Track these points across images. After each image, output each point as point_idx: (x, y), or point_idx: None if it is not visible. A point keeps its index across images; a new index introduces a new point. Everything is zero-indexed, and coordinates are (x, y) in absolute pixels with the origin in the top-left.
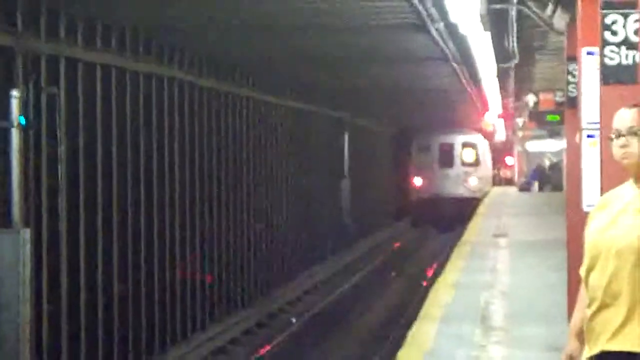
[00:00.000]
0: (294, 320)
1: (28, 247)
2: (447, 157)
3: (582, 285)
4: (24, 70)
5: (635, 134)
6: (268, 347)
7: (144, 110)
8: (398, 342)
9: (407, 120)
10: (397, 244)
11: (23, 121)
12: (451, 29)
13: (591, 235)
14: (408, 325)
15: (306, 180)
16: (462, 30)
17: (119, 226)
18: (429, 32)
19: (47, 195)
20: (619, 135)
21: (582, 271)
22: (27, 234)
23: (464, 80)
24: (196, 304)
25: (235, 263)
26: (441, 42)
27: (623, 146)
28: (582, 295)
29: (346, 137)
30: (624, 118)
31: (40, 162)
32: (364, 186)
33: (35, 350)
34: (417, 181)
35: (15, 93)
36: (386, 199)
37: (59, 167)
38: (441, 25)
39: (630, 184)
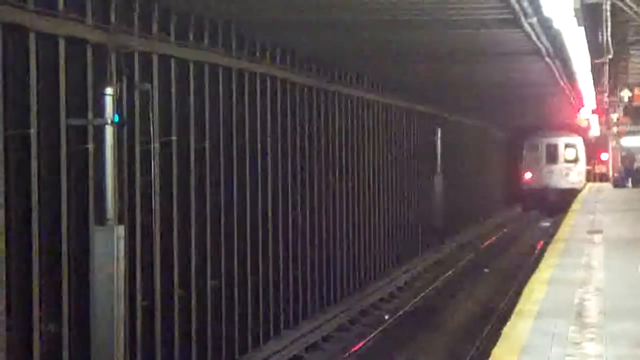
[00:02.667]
0: (386, 317)
1: (122, 243)
2: (552, 156)
3: None
4: (117, 68)
5: None
6: (361, 344)
7: (236, 106)
8: (492, 338)
9: (500, 114)
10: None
11: (117, 118)
12: (545, 23)
13: None
14: (501, 322)
15: (400, 176)
16: (556, 25)
17: (212, 222)
18: (522, 27)
19: (140, 191)
20: None
21: None
22: (121, 230)
23: (557, 76)
24: (289, 300)
25: (329, 260)
26: (534, 37)
27: None
28: None
29: (439, 132)
30: None
31: (134, 159)
32: (462, 181)
33: (130, 345)
34: (528, 175)
35: (109, 90)
36: (483, 192)
37: (152, 163)
38: (534, 20)
39: None
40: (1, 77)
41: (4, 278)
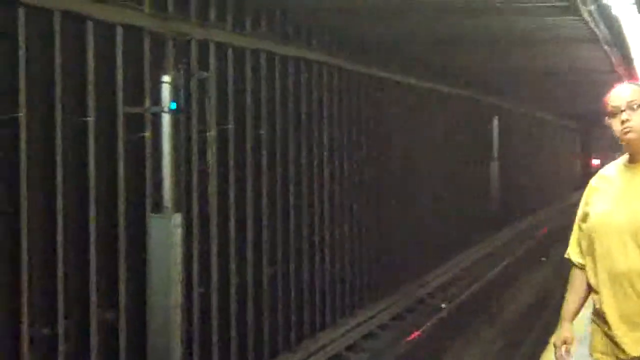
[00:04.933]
0: (443, 305)
1: (179, 231)
2: (617, 144)
3: (576, 271)
4: (174, 56)
5: (632, 108)
6: (418, 333)
7: (292, 95)
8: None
9: (556, 102)
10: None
11: (174, 106)
12: (603, 10)
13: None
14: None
15: (457, 164)
16: (615, 11)
17: (268, 211)
18: (580, 14)
19: (197, 179)
20: (619, 111)
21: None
22: (178, 218)
23: (615, 63)
24: (345, 289)
25: (387, 249)
26: (592, 24)
27: (624, 121)
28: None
29: (495, 121)
30: (621, 94)
31: (191, 147)
32: (520, 168)
33: (186, 333)
34: (595, 161)
35: (165, 78)
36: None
37: (209, 152)
38: (593, 7)
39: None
40: (59, 66)
41: (62, 266)
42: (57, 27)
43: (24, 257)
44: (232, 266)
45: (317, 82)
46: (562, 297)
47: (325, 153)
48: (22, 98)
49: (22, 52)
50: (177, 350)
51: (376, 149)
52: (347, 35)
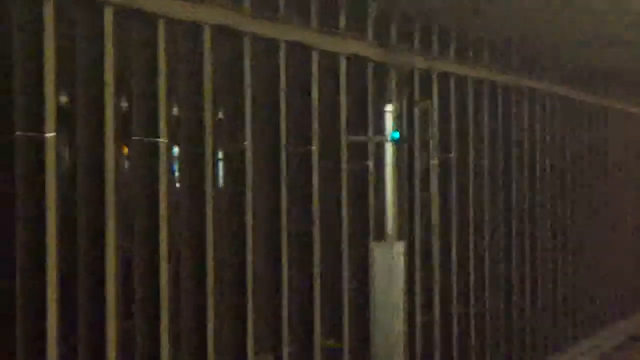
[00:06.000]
0: None
1: (401, 258)
2: None
3: None
4: (397, 85)
5: None
6: None
7: (515, 124)
8: None
9: None
10: None
11: (396, 135)
12: None
13: None
14: None
15: None
16: None
17: (489, 239)
18: None
19: (420, 207)
20: None
21: None
22: (401, 246)
23: None
24: (582, 309)
25: (616, 267)
26: None
27: None
28: None
29: None
30: None
31: (413, 176)
32: None
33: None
34: None
35: (388, 107)
36: None
37: (431, 179)
38: None
39: None
40: (284, 95)
41: (286, 292)
42: (282, 57)
43: (249, 283)
44: (454, 294)
45: (540, 110)
46: None
47: (546, 179)
48: (247, 129)
49: (247, 83)
50: None
51: (600, 177)
52: (570, 64)
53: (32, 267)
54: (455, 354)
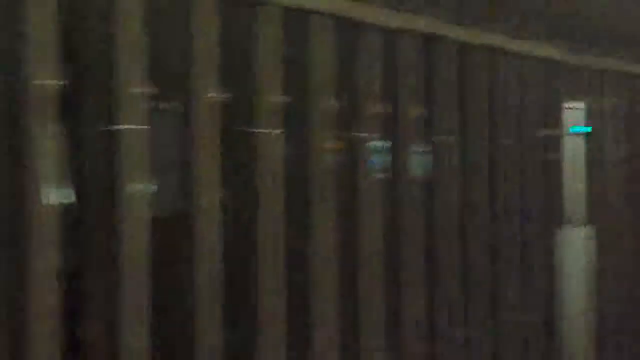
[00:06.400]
0: None
1: (591, 243)
2: None
3: None
4: (588, 85)
5: None
6: None
7: None
8: None
9: None
10: None
11: (588, 129)
12: None
13: None
14: None
15: None
16: None
17: None
18: None
19: (610, 193)
20: None
21: None
22: (590, 230)
23: None
24: None
25: None
26: None
27: None
28: None
29: None
30: None
31: (603, 165)
32: None
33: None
34: None
35: (572, 104)
36: None
37: (617, 169)
38: None
39: None
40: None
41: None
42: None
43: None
44: None
45: None
46: None
47: None
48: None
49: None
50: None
51: None
52: None
53: None
54: None
